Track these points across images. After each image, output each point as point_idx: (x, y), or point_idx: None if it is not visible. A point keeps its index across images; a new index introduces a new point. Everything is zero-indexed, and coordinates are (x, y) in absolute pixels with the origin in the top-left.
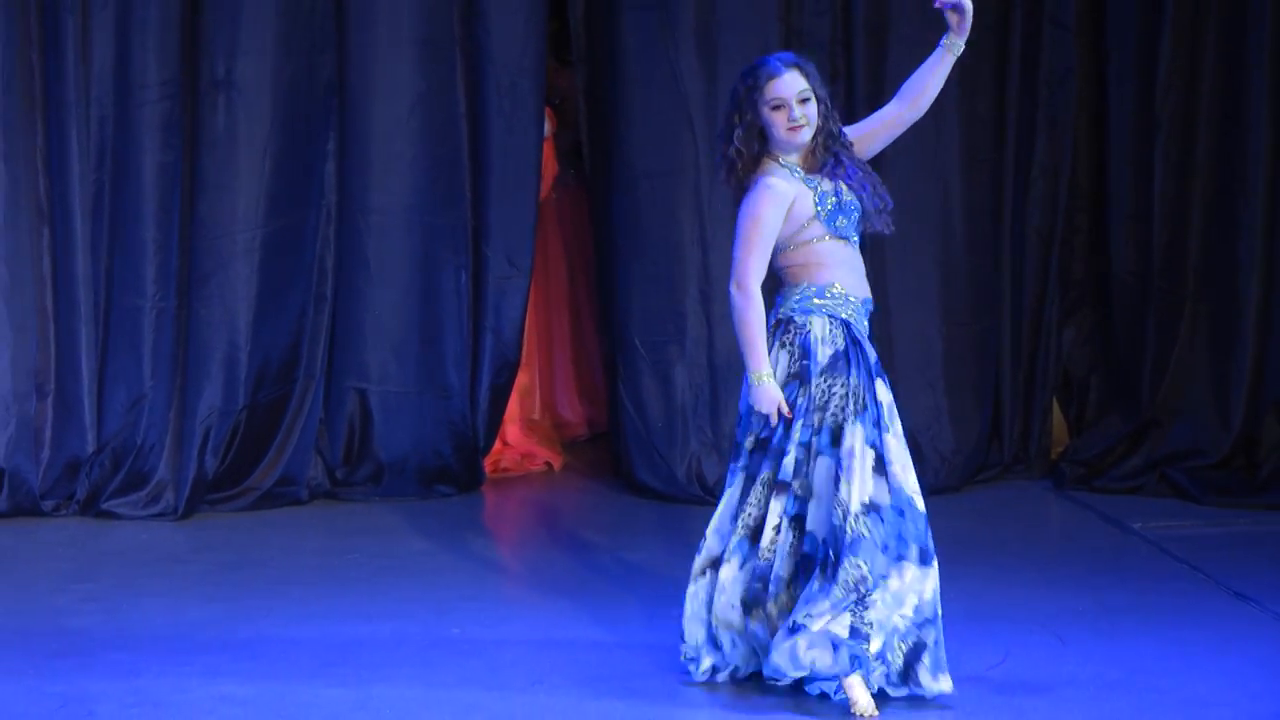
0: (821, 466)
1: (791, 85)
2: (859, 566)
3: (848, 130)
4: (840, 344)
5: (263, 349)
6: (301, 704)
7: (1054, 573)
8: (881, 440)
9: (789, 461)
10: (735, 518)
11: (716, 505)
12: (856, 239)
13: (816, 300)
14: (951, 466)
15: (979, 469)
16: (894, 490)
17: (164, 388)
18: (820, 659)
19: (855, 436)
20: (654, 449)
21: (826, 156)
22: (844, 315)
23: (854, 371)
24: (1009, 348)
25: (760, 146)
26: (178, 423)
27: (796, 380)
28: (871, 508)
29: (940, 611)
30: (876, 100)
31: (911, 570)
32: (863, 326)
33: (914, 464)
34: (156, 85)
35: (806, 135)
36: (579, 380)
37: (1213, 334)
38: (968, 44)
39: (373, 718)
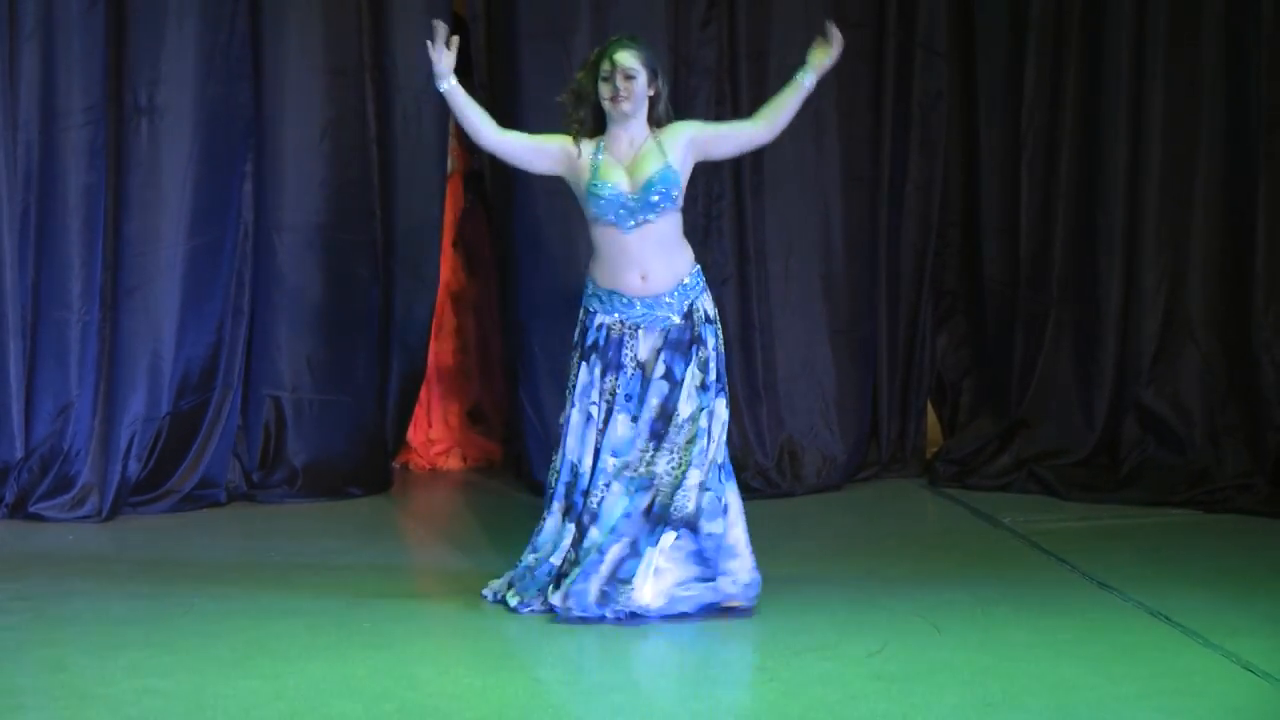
0: None
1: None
2: None
3: (707, 127)
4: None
5: (184, 359)
6: (221, 695)
7: (930, 565)
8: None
9: None
10: None
11: None
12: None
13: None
14: (833, 466)
15: (859, 468)
16: None
17: (89, 396)
18: None
19: None
20: (553, 450)
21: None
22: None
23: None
24: (886, 354)
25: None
26: (103, 429)
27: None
28: None
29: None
30: None
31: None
32: None
33: (800, 463)
34: (81, 111)
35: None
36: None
37: (1076, 340)
38: (846, 68)
39: (288, 708)
